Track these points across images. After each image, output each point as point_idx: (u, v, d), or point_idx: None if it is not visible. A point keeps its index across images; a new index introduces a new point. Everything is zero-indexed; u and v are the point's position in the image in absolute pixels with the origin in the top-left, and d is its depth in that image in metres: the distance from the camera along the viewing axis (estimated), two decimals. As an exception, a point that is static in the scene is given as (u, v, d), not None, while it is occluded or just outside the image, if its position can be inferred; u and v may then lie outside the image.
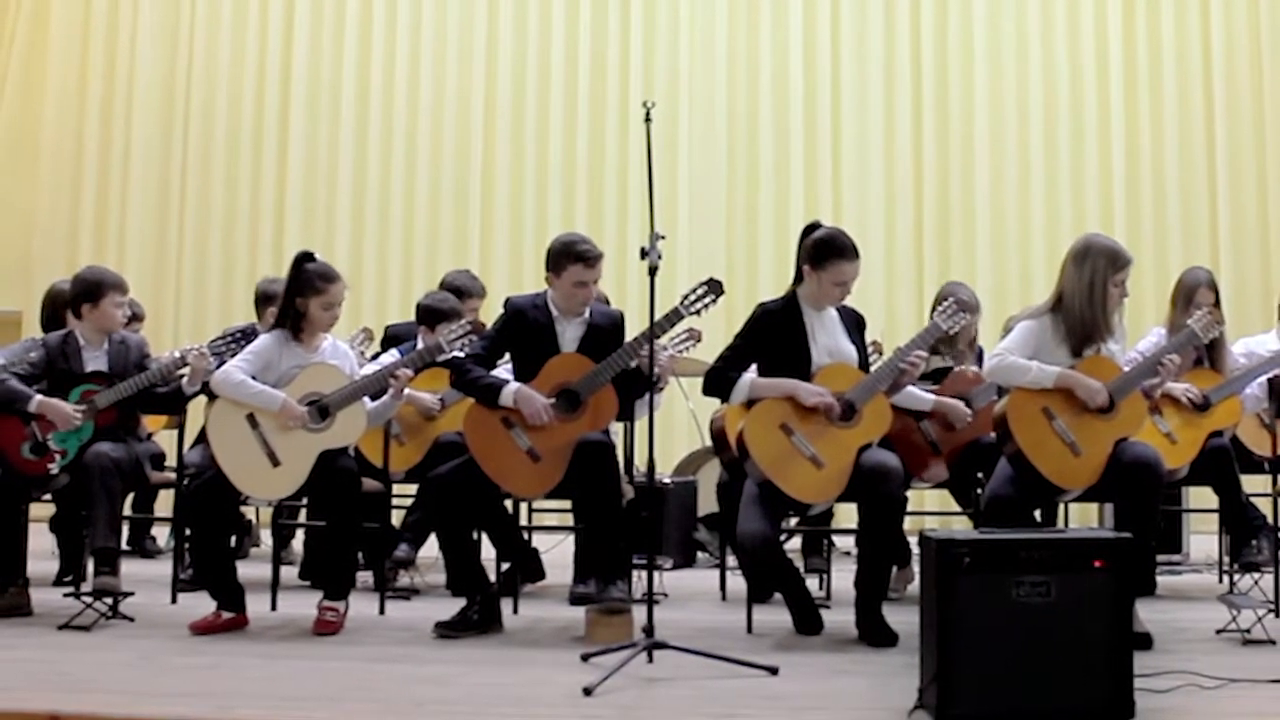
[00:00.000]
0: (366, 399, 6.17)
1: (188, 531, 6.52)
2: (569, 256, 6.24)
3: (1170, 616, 6.29)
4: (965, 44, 11.61)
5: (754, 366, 6.03)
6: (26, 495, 6.51)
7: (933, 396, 6.79)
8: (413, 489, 7.38)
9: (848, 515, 6.57)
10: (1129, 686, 4.29)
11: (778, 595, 6.18)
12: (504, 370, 6.35)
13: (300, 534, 8.27)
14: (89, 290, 6.65)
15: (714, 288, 6.24)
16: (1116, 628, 4.32)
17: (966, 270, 11.03)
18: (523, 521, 7.21)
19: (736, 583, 6.81)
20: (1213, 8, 11.53)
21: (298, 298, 6.21)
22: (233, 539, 6.55)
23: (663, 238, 5.54)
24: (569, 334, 6.31)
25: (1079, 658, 4.28)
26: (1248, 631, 5.67)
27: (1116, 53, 11.52)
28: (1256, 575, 6.73)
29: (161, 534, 9.11)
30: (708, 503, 8.40)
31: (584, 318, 6.35)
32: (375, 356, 7.57)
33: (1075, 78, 11.55)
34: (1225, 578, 7.38)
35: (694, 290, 6.23)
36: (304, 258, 6.27)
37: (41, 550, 7.22)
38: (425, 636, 5.90)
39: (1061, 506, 6.58)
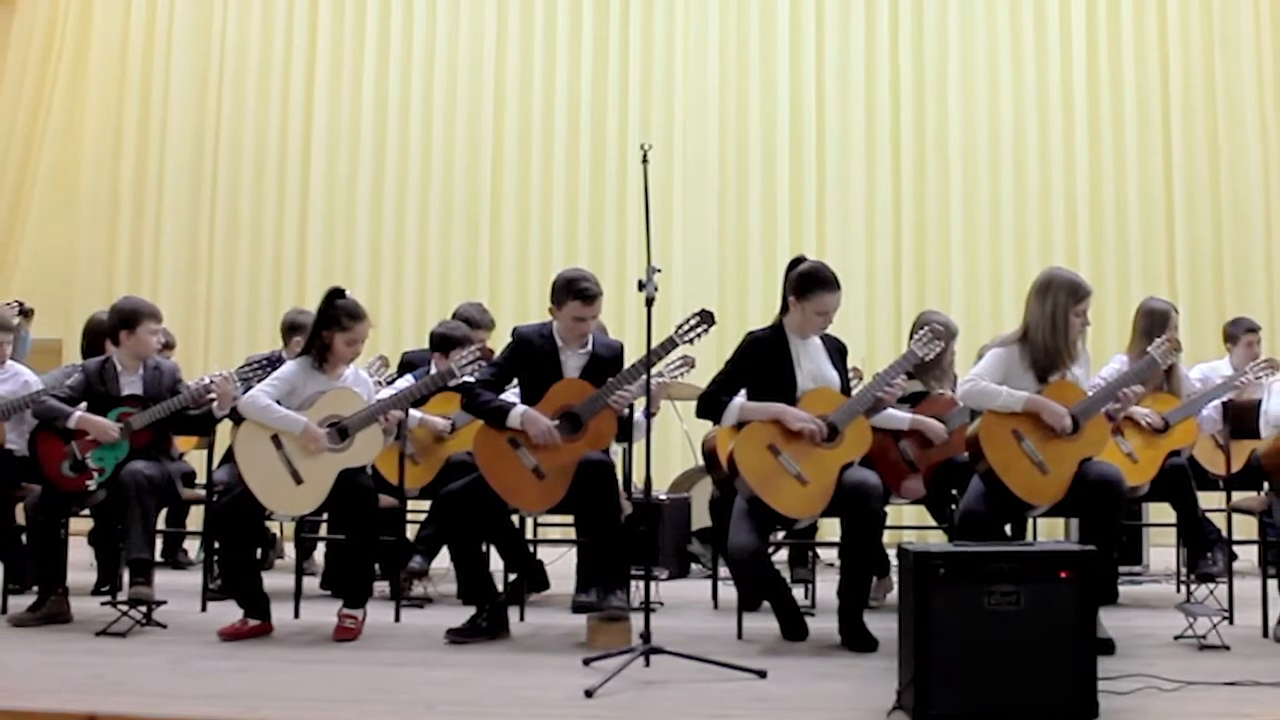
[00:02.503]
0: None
1: (217, 544, 6.52)
2: (569, 293, 6.26)
3: (1131, 623, 6.29)
4: (940, 89, 11.63)
5: (743, 391, 6.04)
6: (66, 510, 6.52)
7: (910, 416, 6.81)
8: (426, 505, 7.38)
9: (831, 529, 6.58)
10: (1093, 688, 4.30)
11: (766, 604, 6.18)
12: (511, 395, 6.37)
13: (321, 546, 8.27)
14: (126, 318, 6.66)
15: (706, 318, 6.24)
16: (1081, 634, 4.33)
17: (941, 300, 11.05)
18: (528, 535, 7.24)
19: (728, 592, 6.81)
20: (1171, 56, 11.55)
21: (324, 330, 6.22)
22: (258, 551, 6.56)
23: (659, 271, 5.57)
24: (572, 362, 6.33)
25: (1046, 662, 4.29)
26: (1203, 638, 5.69)
27: (1081, 99, 11.54)
28: (1212, 585, 6.75)
29: (192, 547, 9.11)
30: (701, 518, 8.41)
31: (587, 348, 6.36)
32: (391, 381, 7.59)
33: (1043, 123, 11.56)
34: (1183, 588, 7.39)
35: (688, 320, 6.24)
36: (335, 293, 6.28)
37: (80, 562, 7.22)
38: (438, 642, 5.90)
39: (1030, 521, 6.59)
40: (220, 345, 11.73)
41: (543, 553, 7.56)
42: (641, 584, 5.53)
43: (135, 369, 6.69)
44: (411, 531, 7.49)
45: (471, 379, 6.29)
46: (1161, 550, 8.57)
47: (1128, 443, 6.86)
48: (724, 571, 6.94)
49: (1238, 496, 6.65)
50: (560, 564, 7.67)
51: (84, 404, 6.58)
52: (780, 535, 6.87)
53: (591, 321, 6.36)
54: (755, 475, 5.80)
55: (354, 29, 12.09)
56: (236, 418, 6.32)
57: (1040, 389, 5.81)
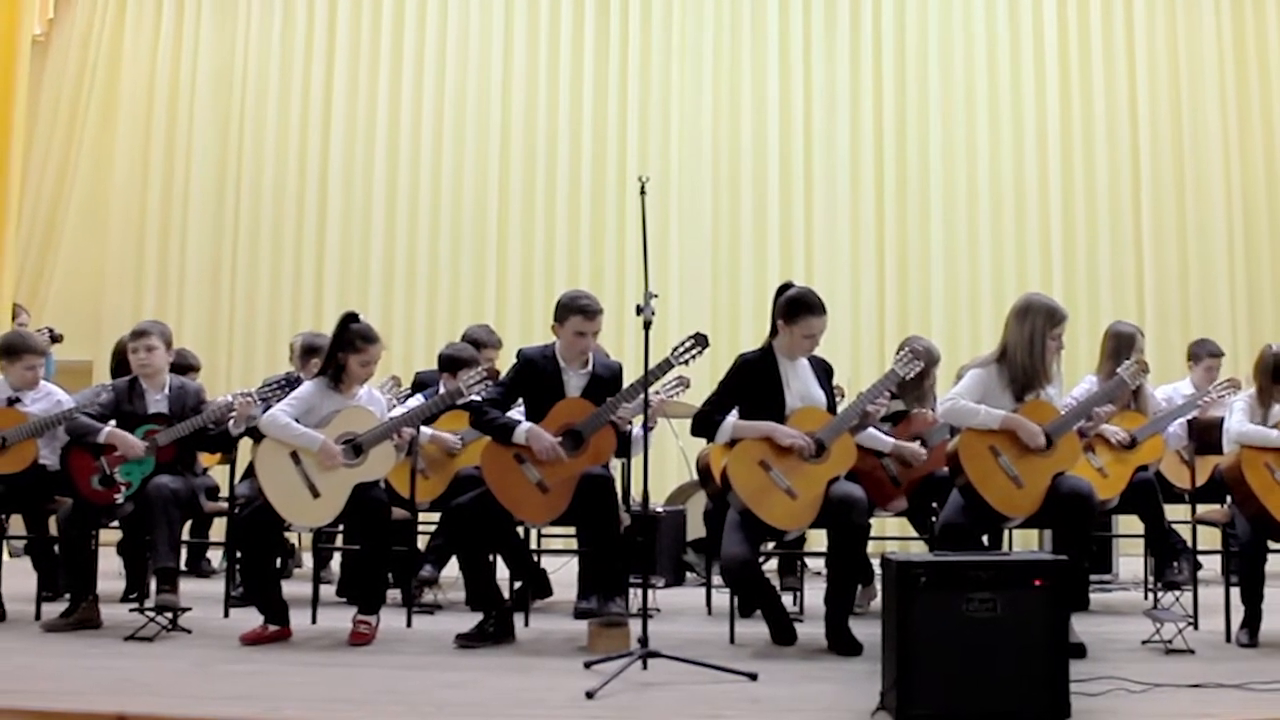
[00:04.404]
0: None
1: (238, 554, 6.52)
2: (571, 309, 6.29)
3: (1102, 629, 6.31)
4: (921, 125, 11.68)
5: (736, 410, 6.06)
6: (96, 522, 6.53)
7: (891, 441, 6.82)
8: (436, 517, 7.37)
9: (818, 540, 6.57)
10: (1065, 690, 4.32)
11: (757, 611, 6.19)
12: (516, 413, 6.38)
13: (337, 556, 8.26)
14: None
15: (700, 340, 6.26)
16: (1054, 638, 4.35)
17: (922, 323, 11.08)
18: (533, 545, 7.23)
19: (721, 599, 6.83)
20: (1139, 96, 11.63)
21: (340, 352, 6.24)
22: (278, 561, 6.56)
23: (655, 296, 5.58)
24: (574, 382, 6.33)
25: (1021, 665, 4.31)
26: (1169, 642, 5.69)
27: (1054, 135, 11.60)
28: (1177, 593, 6.77)
29: (215, 556, 9.11)
30: (695, 529, 8.40)
31: (588, 368, 6.37)
32: (404, 400, 7.61)
33: (1018, 159, 11.61)
34: (1150, 595, 7.39)
35: (683, 343, 6.25)
36: (349, 318, 6.31)
37: (109, 571, 7.22)
38: (447, 646, 5.91)
39: (1006, 532, 6.61)
40: (241, 366, 11.74)
41: (546, 562, 7.58)
42: (639, 591, 5.54)
43: (160, 388, 6.71)
44: (422, 542, 7.49)
45: (479, 398, 6.31)
46: (1130, 560, 8.58)
47: (1098, 458, 6.89)
48: (717, 580, 6.95)
49: (1202, 509, 6.66)
50: (562, 573, 7.68)
51: (113, 421, 6.60)
52: (770, 546, 6.87)
53: (591, 338, 6.35)
54: (747, 489, 5.81)
55: (368, 66, 12.13)
56: (257, 435, 6.33)
57: (1016, 408, 5.83)
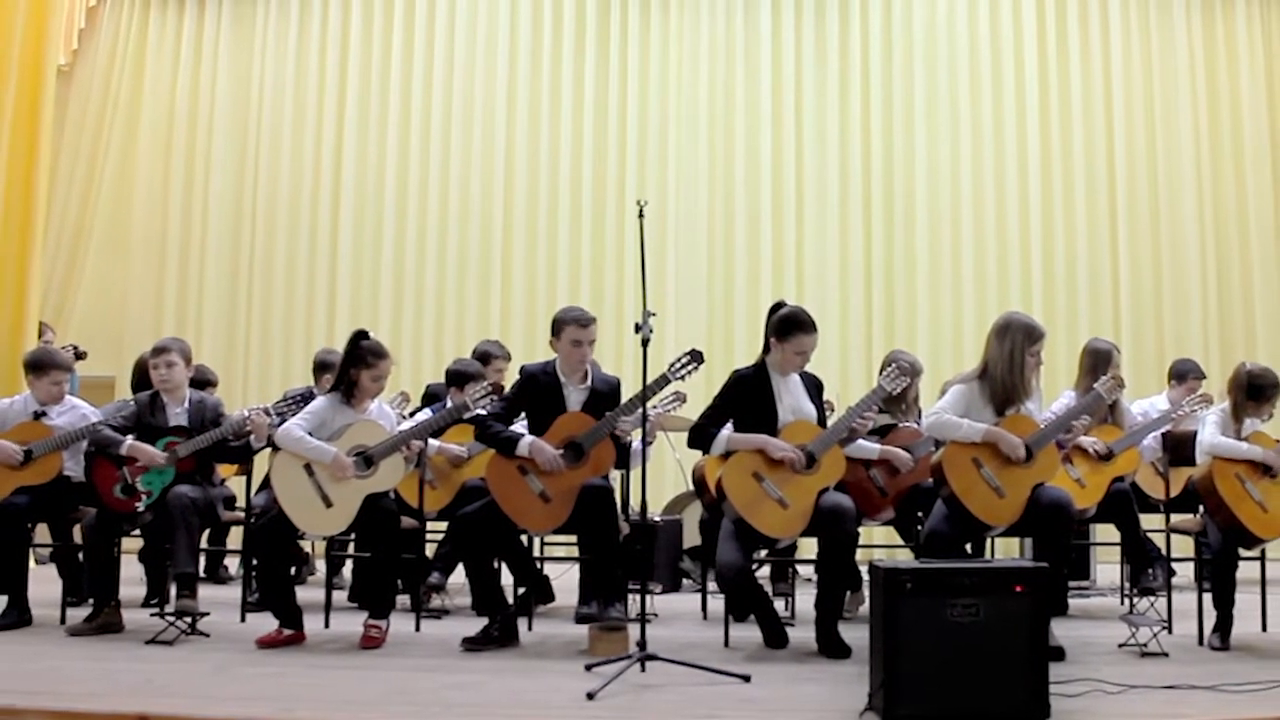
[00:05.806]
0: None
1: (255, 561, 6.53)
2: (565, 321, 6.32)
3: (1080, 633, 6.32)
4: (908, 153, 11.71)
5: (730, 423, 6.07)
6: (118, 530, 6.53)
7: (879, 446, 6.84)
8: (443, 526, 7.39)
9: (809, 548, 6.59)
10: (1045, 692, 4.33)
11: (751, 615, 6.19)
12: (520, 426, 6.39)
13: (349, 563, 8.27)
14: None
15: (696, 357, 6.27)
16: (1034, 642, 4.36)
17: (908, 340, 11.10)
18: (536, 553, 7.23)
19: (716, 604, 6.83)
20: (1116, 121, 11.68)
21: (351, 369, 6.25)
22: (292, 568, 6.57)
23: (653, 315, 5.60)
24: (574, 396, 6.35)
25: (1003, 667, 4.32)
26: (1145, 646, 5.71)
27: (1034, 161, 11.63)
28: (1152, 598, 6.77)
29: (232, 564, 9.10)
30: (691, 537, 8.42)
31: (587, 383, 6.38)
32: (414, 413, 7.62)
33: (999, 182, 11.64)
34: (1126, 600, 7.40)
35: (679, 359, 6.26)
36: (360, 335, 6.32)
37: (131, 577, 7.21)
38: (454, 650, 5.91)
39: (988, 541, 6.63)
40: (258, 381, 11.75)
41: (549, 569, 7.59)
42: (638, 597, 5.55)
43: (180, 402, 6.73)
44: (430, 550, 7.49)
45: (484, 412, 6.32)
46: (1107, 566, 8.60)
47: (1076, 470, 6.90)
48: (712, 586, 6.95)
49: (1176, 518, 6.68)
50: (564, 579, 7.68)
51: (133, 434, 6.60)
52: (763, 553, 6.88)
53: (588, 347, 6.36)
54: (741, 499, 5.82)
55: (378, 95, 12.14)
56: (274, 447, 6.34)
57: (998, 421, 5.84)
